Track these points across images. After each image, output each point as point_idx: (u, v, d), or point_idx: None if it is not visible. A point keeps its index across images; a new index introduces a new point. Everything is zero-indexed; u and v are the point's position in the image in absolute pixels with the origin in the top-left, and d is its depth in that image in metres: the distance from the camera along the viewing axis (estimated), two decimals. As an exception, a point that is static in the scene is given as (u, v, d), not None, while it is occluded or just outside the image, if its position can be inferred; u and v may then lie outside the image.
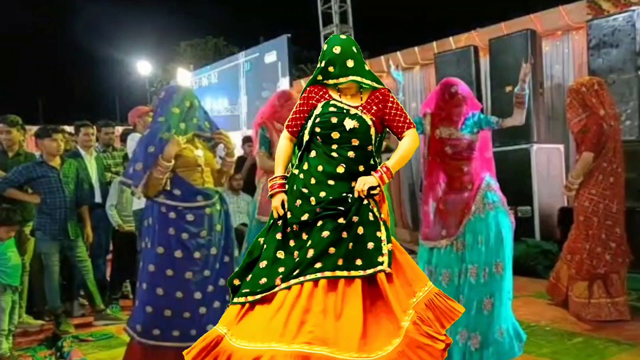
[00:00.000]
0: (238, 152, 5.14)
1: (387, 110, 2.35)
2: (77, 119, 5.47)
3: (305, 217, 2.25)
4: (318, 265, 2.17)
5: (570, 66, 6.67)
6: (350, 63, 2.32)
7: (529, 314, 4.18)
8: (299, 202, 2.30)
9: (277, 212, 2.31)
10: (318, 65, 2.40)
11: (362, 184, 2.23)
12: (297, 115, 2.42)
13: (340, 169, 2.28)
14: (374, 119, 2.32)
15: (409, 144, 2.33)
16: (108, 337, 4.23)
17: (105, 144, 5.47)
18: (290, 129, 2.44)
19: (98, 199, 5.11)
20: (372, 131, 2.31)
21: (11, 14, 27.93)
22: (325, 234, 2.21)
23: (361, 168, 2.30)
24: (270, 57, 11.11)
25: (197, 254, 3.18)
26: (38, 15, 30.15)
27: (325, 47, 2.38)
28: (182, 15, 32.33)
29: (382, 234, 2.26)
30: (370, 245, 2.23)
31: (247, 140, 6.42)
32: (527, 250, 5.61)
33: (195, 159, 3.25)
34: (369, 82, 2.35)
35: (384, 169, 2.27)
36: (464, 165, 3.34)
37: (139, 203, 4.09)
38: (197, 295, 3.18)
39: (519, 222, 4.62)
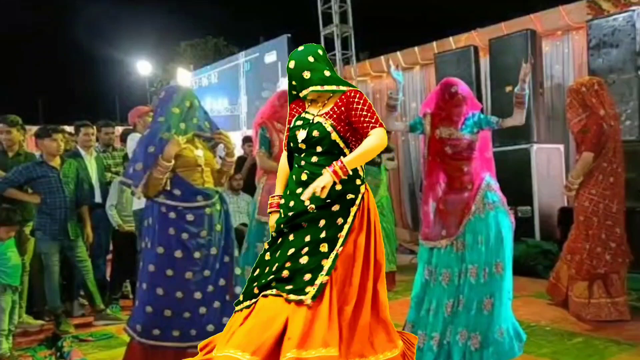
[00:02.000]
0: (238, 152, 5.14)
1: (352, 112, 2.31)
2: (77, 119, 5.47)
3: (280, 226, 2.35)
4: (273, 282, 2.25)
5: (570, 66, 6.67)
6: (306, 75, 2.34)
7: (529, 314, 4.18)
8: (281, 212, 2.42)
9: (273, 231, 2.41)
10: (290, 84, 2.46)
11: (315, 185, 2.17)
12: (287, 134, 2.48)
13: (304, 176, 2.33)
14: (334, 123, 2.32)
15: (371, 141, 2.25)
16: (108, 337, 4.23)
17: (105, 144, 5.47)
18: (286, 147, 2.51)
19: (98, 199, 5.11)
20: (335, 136, 2.32)
21: (11, 14, 27.91)
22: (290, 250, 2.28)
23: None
24: (270, 57, 11.10)
25: (197, 254, 3.18)
26: (38, 15, 30.10)
27: (291, 64, 2.41)
28: (182, 15, 32.26)
29: (326, 262, 2.23)
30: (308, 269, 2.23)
31: (247, 140, 6.42)
32: (527, 250, 5.61)
33: (195, 159, 3.25)
34: (328, 87, 2.34)
35: (339, 164, 2.20)
36: (464, 165, 3.34)
37: (139, 203, 4.09)
38: (197, 295, 3.18)
39: (519, 222, 4.63)
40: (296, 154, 2.43)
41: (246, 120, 11.76)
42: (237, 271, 3.35)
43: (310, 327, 2.12)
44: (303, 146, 2.36)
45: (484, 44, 7.01)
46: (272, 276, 2.23)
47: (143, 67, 21.62)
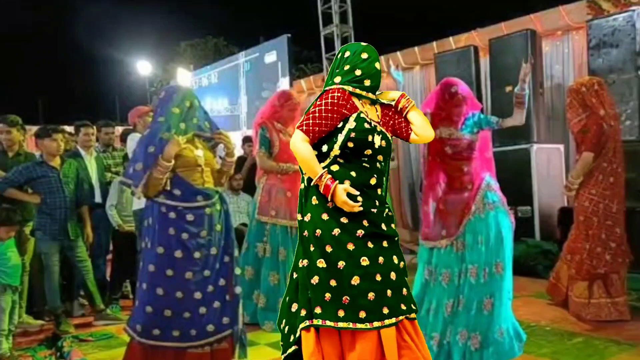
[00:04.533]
0: (238, 152, 5.14)
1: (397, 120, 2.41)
2: (77, 119, 5.47)
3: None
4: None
5: (570, 66, 6.67)
6: (379, 78, 2.34)
7: (529, 314, 4.18)
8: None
9: (352, 206, 2.17)
10: (350, 72, 2.29)
11: None
12: (326, 122, 2.22)
13: (373, 180, 2.28)
14: (391, 135, 2.40)
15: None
16: (108, 337, 4.23)
17: (105, 144, 5.47)
18: (313, 135, 2.23)
19: (98, 199, 5.11)
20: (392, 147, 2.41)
21: (11, 14, 27.92)
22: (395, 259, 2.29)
23: (384, 179, 2.36)
24: (270, 57, 11.10)
25: (197, 254, 3.18)
26: (38, 15, 30.11)
27: (365, 55, 2.30)
28: (182, 15, 32.26)
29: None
30: (405, 290, 2.29)
31: (247, 140, 6.42)
32: (527, 250, 5.61)
33: (195, 159, 3.25)
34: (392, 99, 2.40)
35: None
36: (464, 165, 3.34)
37: (139, 203, 4.09)
38: (197, 295, 3.18)
39: (519, 222, 4.63)
40: (352, 155, 2.25)
41: (246, 120, 11.75)
42: (237, 271, 3.35)
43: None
44: (369, 152, 2.26)
45: (484, 44, 7.01)
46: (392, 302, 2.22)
47: (143, 67, 21.61)
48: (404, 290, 2.26)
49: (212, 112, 11.61)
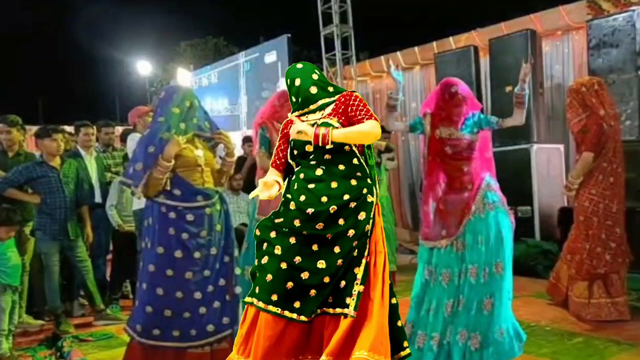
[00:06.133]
0: (238, 152, 5.14)
1: (349, 108, 2.37)
2: (77, 119, 5.47)
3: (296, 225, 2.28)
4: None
5: (570, 66, 6.67)
6: (313, 90, 2.42)
7: (529, 314, 4.18)
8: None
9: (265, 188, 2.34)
10: (291, 100, 2.51)
11: (296, 127, 2.30)
12: (279, 154, 2.49)
13: (319, 171, 2.32)
14: (341, 120, 2.36)
15: (362, 126, 2.29)
16: (108, 337, 4.23)
17: (105, 144, 5.47)
18: (277, 164, 2.48)
19: (98, 199, 5.11)
20: None
21: (11, 14, 27.92)
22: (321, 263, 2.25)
23: (341, 167, 2.33)
24: (270, 57, 11.10)
25: (197, 254, 3.18)
26: (38, 15, 30.13)
27: (288, 81, 2.48)
28: (182, 15, 32.27)
29: (359, 271, 2.25)
30: (342, 283, 2.26)
31: (247, 140, 6.42)
32: (527, 250, 5.61)
33: (195, 159, 3.25)
34: (332, 99, 2.43)
35: (324, 130, 2.27)
36: (464, 165, 3.34)
37: (139, 203, 4.09)
38: (197, 295, 3.18)
39: (519, 222, 4.63)
40: (302, 160, 2.38)
41: (246, 120, 11.75)
42: (237, 271, 3.35)
43: (351, 337, 2.19)
44: (310, 148, 2.33)
45: (484, 44, 7.01)
46: (315, 294, 2.24)
47: (143, 67, 21.60)
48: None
49: (212, 112, 11.60)
